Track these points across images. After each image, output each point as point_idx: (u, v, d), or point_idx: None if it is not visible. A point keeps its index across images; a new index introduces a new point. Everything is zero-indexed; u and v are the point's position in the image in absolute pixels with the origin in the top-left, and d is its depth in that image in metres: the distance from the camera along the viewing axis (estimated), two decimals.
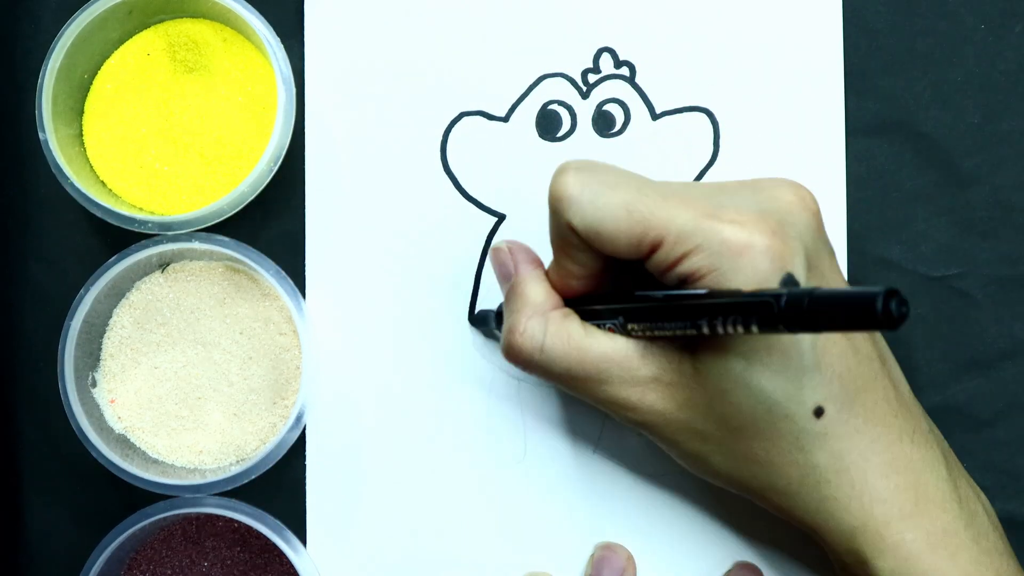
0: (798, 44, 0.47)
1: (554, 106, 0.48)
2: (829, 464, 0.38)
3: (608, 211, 0.37)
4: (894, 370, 0.40)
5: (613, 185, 0.38)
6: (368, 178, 0.48)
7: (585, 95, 0.48)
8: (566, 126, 0.48)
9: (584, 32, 0.48)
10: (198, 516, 0.47)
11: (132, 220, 0.45)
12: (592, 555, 0.46)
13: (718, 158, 0.47)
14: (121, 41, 0.48)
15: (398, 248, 0.48)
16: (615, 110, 0.48)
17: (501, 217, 0.48)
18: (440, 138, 0.48)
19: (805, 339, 0.36)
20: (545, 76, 0.48)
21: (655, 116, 0.47)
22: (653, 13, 0.47)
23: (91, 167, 0.48)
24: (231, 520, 0.47)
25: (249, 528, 0.46)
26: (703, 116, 0.47)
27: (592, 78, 0.48)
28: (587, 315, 0.40)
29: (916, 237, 0.47)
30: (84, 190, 0.45)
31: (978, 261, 0.47)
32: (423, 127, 0.48)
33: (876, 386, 0.38)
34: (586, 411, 0.47)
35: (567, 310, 0.41)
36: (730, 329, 0.34)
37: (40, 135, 0.46)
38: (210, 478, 0.46)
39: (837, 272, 0.39)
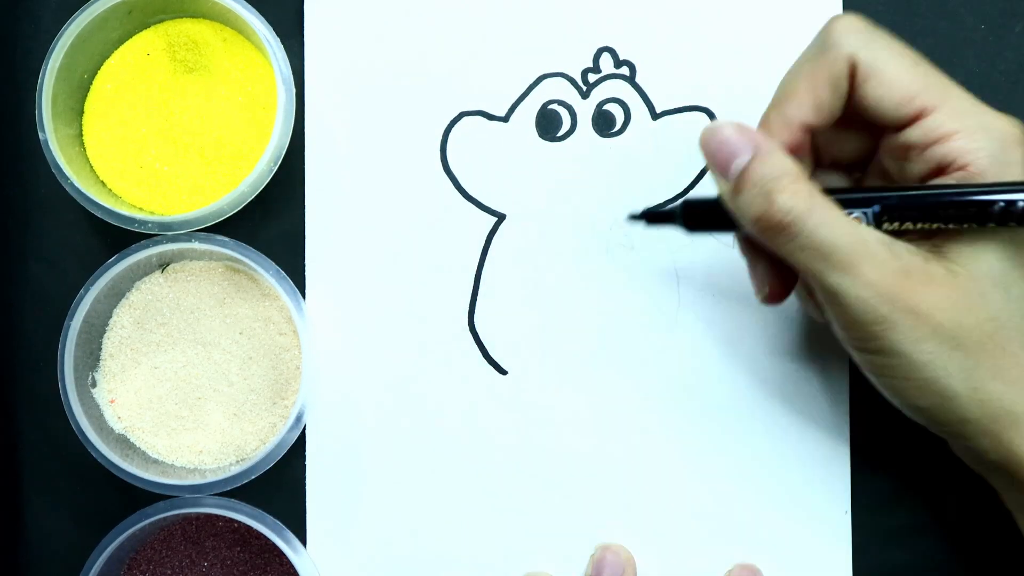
0: (798, 44, 0.47)
1: (554, 106, 0.48)
2: None
3: (896, 55, 0.37)
4: None
5: (902, 45, 0.38)
6: (368, 178, 0.48)
7: (585, 95, 0.48)
8: (566, 126, 0.48)
9: (584, 32, 0.48)
10: (198, 516, 0.47)
11: (132, 220, 0.45)
12: (592, 555, 0.46)
13: None
14: (121, 41, 0.48)
15: (398, 248, 0.48)
16: (615, 110, 0.48)
17: (501, 217, 0.48)
18: (440, 138, 0.48)
19: None
20: (545, 76, 0.48)
21: (655, 116, 0.47)
22: (653, 13, 0.47)
23: (91, 167, 0.48)
24: (231, 520, 0.47)
25: (249, 528, 0.46)
26: (703, 116, 0.47)
27: (592, 78, 0.48)
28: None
29: None
30: (84, 190, 0.45)
31: None
32: (423, 127, 0.48)
33: None
34: (586, 411, 0.47)
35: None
36: None
37: (40, 135, 0.46)
38: (210, 478, 0.46)
39: None
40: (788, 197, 0.36)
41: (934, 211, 0.36)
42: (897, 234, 0.37)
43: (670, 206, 0.42)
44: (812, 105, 0.38)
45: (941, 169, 0.37)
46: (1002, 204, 0.35)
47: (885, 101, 0.37)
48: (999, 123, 0.36)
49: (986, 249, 0.36)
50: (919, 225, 0.37)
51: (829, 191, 0.37)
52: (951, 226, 0.36)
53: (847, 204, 0.37)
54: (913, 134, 0.37)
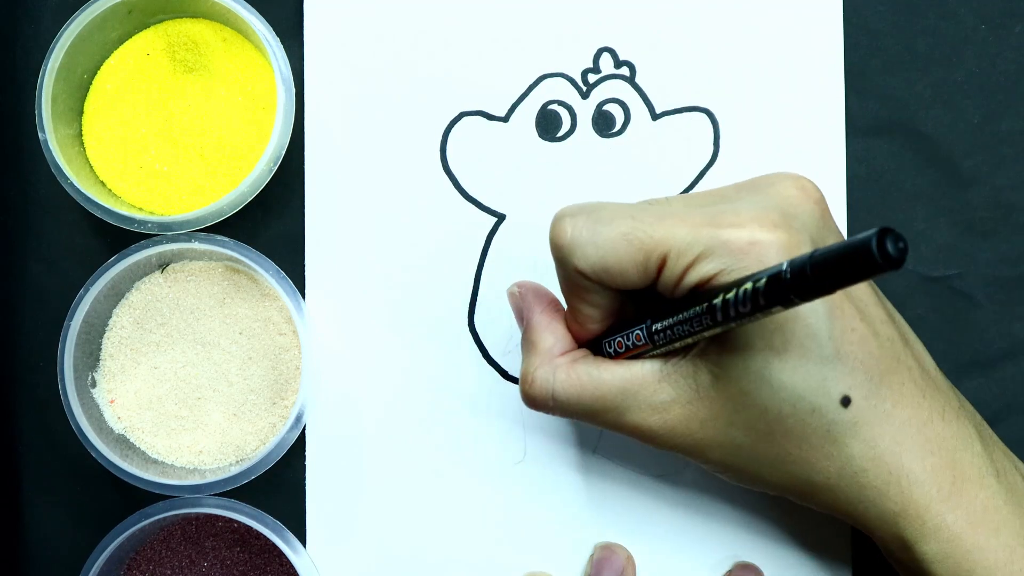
0: (798, 44, 0.47)
1: (554, 106, 0.48)
2: (863, 452, 0.37)
3: (609, 246, 0.37)
4: (917, 348, 0.40)
5: (608, 220, 0.38)
6: (368, 178, 0.48)
7: (585, 95, 0.48)
8: (566, 126, 0.48)
9: (584, 32, 0.48)
10: (198, 516, 0.47)
11: (132, 220, 0.45)
12: (592, 555, 0.46)
13: (718, 158, 0.47)
14: (121, 41, 0.48)
15: (398, 248, 0.48)
16: (615, 110, 0.48)
17: (501, 217, 0.48)
18: (440, 138, 0.48)
19: (822, 329, 0.36)
20: (545, 76, 0.48)
21: (655, 116, 0.47)
22: (653, 13, 0.47)
23: (91, 167, 0.48)
24: (231, 520, 0.47)
25: (249, 528, 0.46)
26: (703, 116, 0.47)
27: (592, 78, 0.48)
28: (607, 343, 0.40)
29: (916, 237, 0.47)
30: (84, 190, 0.45)
31: (978, 261, 0.47)
32: (423, 127, 0.48)
33: (901, 368, 0.38)
34: None
35: (578, 352, 0.41)
36: (742, 308, 0.33)
37: (40, 135, 0.46)
38: (210, 478, 0.46)
39: None
40: (528, 386, 0.40)
41: (675, 311, 0.37)
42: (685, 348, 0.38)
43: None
44: (588, 316, 0.40)
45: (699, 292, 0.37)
46: (718, 298, 0.34)
47: (626, 279, 0.38)
48: (727, 235, 0.36)
49: (744, 350, 0.36)
50: (677, 331, 0.37)
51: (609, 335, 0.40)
52: (706, 325, 0.36)
53: (627, 328, 0.39)
54: (662, 284, 0.38)
